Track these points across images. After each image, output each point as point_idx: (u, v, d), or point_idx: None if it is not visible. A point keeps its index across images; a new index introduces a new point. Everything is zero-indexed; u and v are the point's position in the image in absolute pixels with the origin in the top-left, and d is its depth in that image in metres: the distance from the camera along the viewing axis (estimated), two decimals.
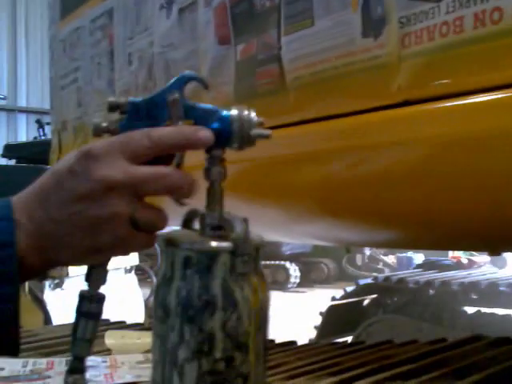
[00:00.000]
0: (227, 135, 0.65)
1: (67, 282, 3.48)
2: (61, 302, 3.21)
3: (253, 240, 0.64)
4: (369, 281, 3.18)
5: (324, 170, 1.34)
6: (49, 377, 1.19)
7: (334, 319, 3.09)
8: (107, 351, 1.51)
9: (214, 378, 0.61)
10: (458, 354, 1.28)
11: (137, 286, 4.56)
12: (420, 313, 2.81)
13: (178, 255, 0.62)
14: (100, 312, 0.69)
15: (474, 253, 3.96)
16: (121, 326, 1.90)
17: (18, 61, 11.65)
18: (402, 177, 1.18)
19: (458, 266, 3.49)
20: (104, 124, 0.66)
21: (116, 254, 0.67)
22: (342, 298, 3.18)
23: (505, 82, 0.93)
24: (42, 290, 3.12)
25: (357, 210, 1.39)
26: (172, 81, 0.66)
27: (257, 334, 0.63)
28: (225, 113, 0.65)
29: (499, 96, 0.95)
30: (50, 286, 3.33)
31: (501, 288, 2.79)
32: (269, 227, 1.99)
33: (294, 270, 8.50)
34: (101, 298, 0.69)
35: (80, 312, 0.68)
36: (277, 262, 8.54)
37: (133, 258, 4.45)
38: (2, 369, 1.21)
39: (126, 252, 0.67)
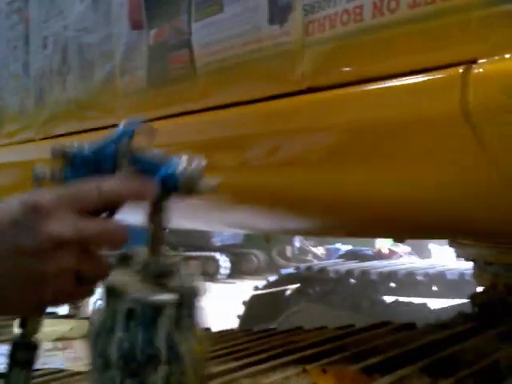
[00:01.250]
0: (173, 187, 0.64)
1: None
2: None
3: (197, 290, 0.63)
4: (291, 270, 3.21)
5: (235, 156, 1.35)
6: None
7: (256, 308, 3.11)
8: None
9: None
10: (361, 339, 1.31)
11: None
12: (340, 302, 2.86)
13: (122, 305, 0.60)
14: (34, 360, 0.66)
15: (397, 244, 4.04)
16: None
17: None
18: (310, 164, 1.20)
19: (379, 256, 3.56)
20: (47, 172, 0.64)
21: (55, 306, 0.65)
22: (265, 287, 3.21)
23: (402, 70, 0.95)
24: None
25: (268, 197, 1.40)
26: (119, 131, 0.65)
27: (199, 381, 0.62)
28: (172, 164, 0.64)
29: (398, 83, 0.97)
30: None
31: (417, 278, 2.86)
32: (188, 216, 1.99)
33: (224, 261, 8.50)
34: (35, 346, 0.66)
35: (14, 361, 0.65)
36: (207, 253, 8.54)
37: None
38: None
39: (65, 303, 0.65)
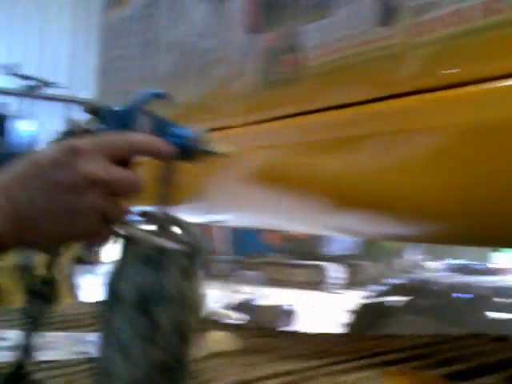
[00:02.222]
0: (185, 151, 0.74)
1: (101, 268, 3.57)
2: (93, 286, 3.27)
3: (201, 246, 0.72)
4: (397, 281, 3.18)
5: (341, 158, 1.36)
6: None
7: (361, 318, 3.10)
8: None
9: (156, 364, 0.67)
10: (450, 347, 1.27)
11: None
12: (445, 315, 2.81)
13: (139, 252, 0.70)
14: (53, 294, 0.76)
15: None
16: None
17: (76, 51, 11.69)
18: (415, 166, 1.20)
19: (491, 271, 3.46)
20: (84, 125, 0.74)
21: (81, 242, 0.72)
22: (371, 297, 3.19)
23: (505, 72, 0.95)
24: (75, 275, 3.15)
25: (375, 201, 1.40)
26: (141, 96, 0.75)
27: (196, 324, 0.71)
28: (185, 131, 0.75)
29: (502, 85, 0.97)
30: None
31: None
32: (293, 217, 2.01)
33: (335, 272, 8.48)
34: (54, 281, 0.76)
35: (35, 293, 0.75)
36: (312, 262, 8.54)
37: None
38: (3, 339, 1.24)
39: (90, 241, 0.72)
